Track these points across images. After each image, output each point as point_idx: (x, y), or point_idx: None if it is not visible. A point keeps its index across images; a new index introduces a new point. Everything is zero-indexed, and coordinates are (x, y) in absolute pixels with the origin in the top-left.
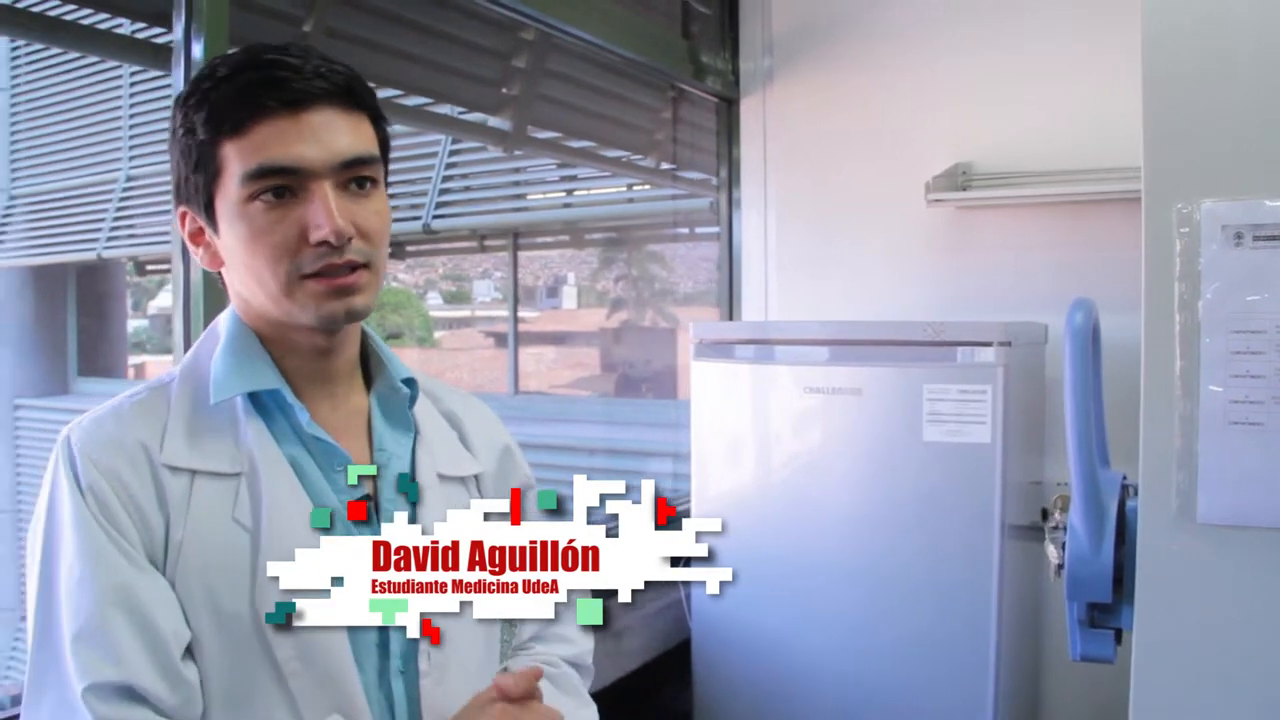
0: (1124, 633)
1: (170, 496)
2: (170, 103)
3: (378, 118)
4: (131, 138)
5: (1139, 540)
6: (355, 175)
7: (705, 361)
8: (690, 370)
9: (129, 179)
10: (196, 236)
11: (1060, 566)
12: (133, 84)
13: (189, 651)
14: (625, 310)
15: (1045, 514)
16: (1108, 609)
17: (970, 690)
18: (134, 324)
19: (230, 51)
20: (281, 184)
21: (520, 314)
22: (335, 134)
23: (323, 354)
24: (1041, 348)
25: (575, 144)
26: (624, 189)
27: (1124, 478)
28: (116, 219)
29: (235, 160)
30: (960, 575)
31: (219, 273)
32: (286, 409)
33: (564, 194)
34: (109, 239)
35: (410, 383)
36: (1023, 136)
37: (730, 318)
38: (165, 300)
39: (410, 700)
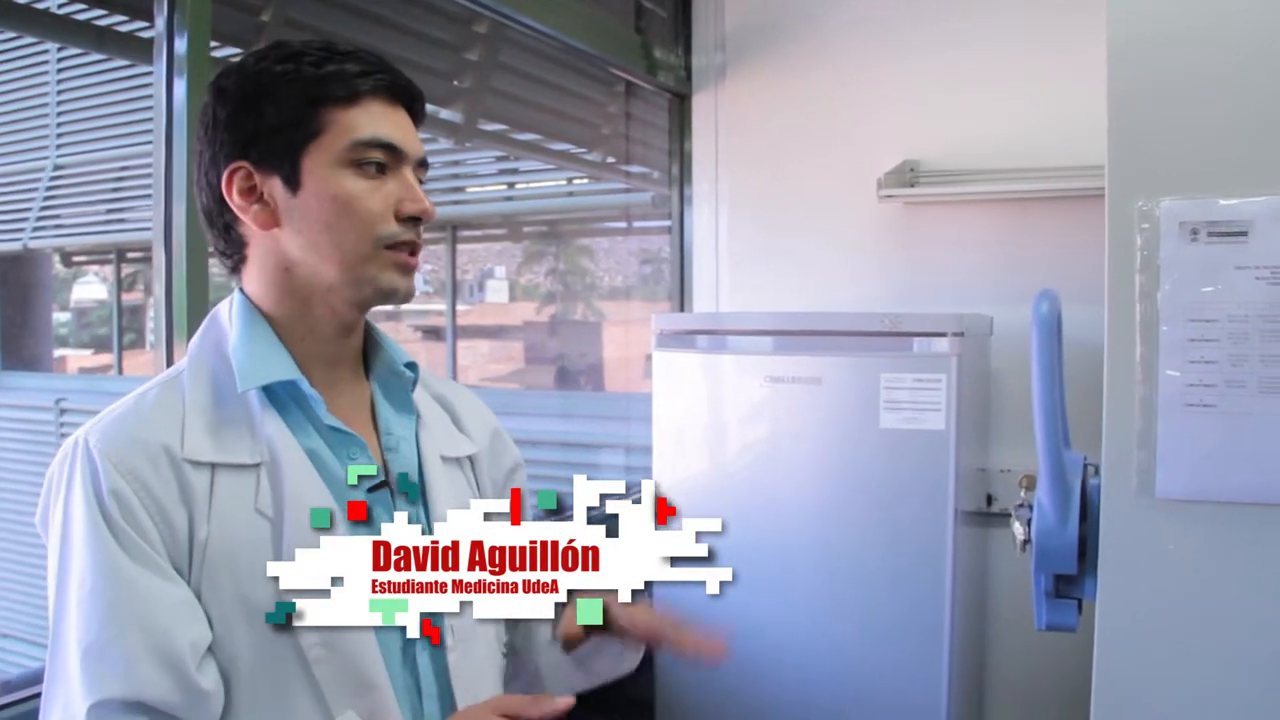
0: (1085, 602)
1: (193, 492)
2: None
3: None
4: (59, 125)
5: (1102, 515)
6: (420, 175)
7: (667, 352)
8: (653, 360)
9: (56, 167)
10: (247, 194)
11: (1026, 542)
12: (60, 69)
13: (211, 654)
14: (560, 304)
15: (990, 499)
16: (1071, 580)
17: (925, 668)
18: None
19: (303, 40)
20: (383, 159)
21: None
22: (412, 132)
23: (345, 333)
24: (987, 339)
25: (523, 137)
26: (564, 183)
27: (1085, 458)
28: (43, 209)
29: (345, 125)
30: (915, 558)
31: (243, 244)
32: (302, 400)
33: (505, 187)
34: (35, 229)
35: (412, 366)
36: (968, 135)
37: (682, 310)
38: (84, 292)
39: (437, 673)
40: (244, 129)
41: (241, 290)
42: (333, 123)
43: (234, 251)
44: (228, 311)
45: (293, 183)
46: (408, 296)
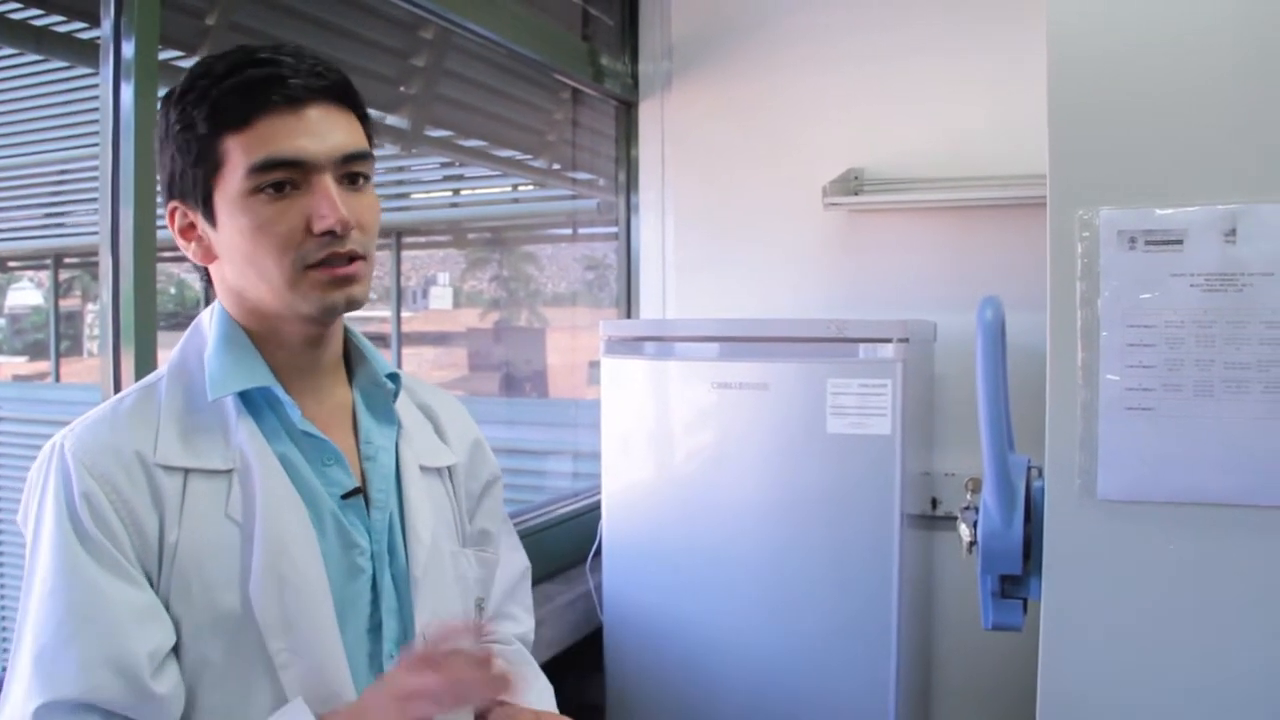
0: (1030, 602)
1: (165, 497)
2: (83, 96)
3: (365, 118)
4: None
5: (1046, 516)
6: (351, 170)
7: (615, 358)
8: (601, 367)
9: None
10: (187, 232)
11: (972, 544)
12: None
13: (173, 658)
14: (505, 310)
15: (935, 503)
16: (1017, 581)
17: (872, 669)
18: None
19: (220, 52)
20: (285, 177)
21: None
22: (333, 129)
23: (313, 346)
24: (931, 345)
25: (469, 144)
26: (509, 189)
27: (1029, 461)
28: None
29: (239, 153)
30: (863, 561)
31: (206, 269)
32: (277, 406)
33: (450, 193)
34: None
35: (394, 377)
36: (911, 144)
37: (629, 317)
38: (18, 298)
39: None
40: (167, 170)
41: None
42: (229, 152)
43: (203, 274)
44: (209, 319)
45: (211, 219)
46: (351, 306)
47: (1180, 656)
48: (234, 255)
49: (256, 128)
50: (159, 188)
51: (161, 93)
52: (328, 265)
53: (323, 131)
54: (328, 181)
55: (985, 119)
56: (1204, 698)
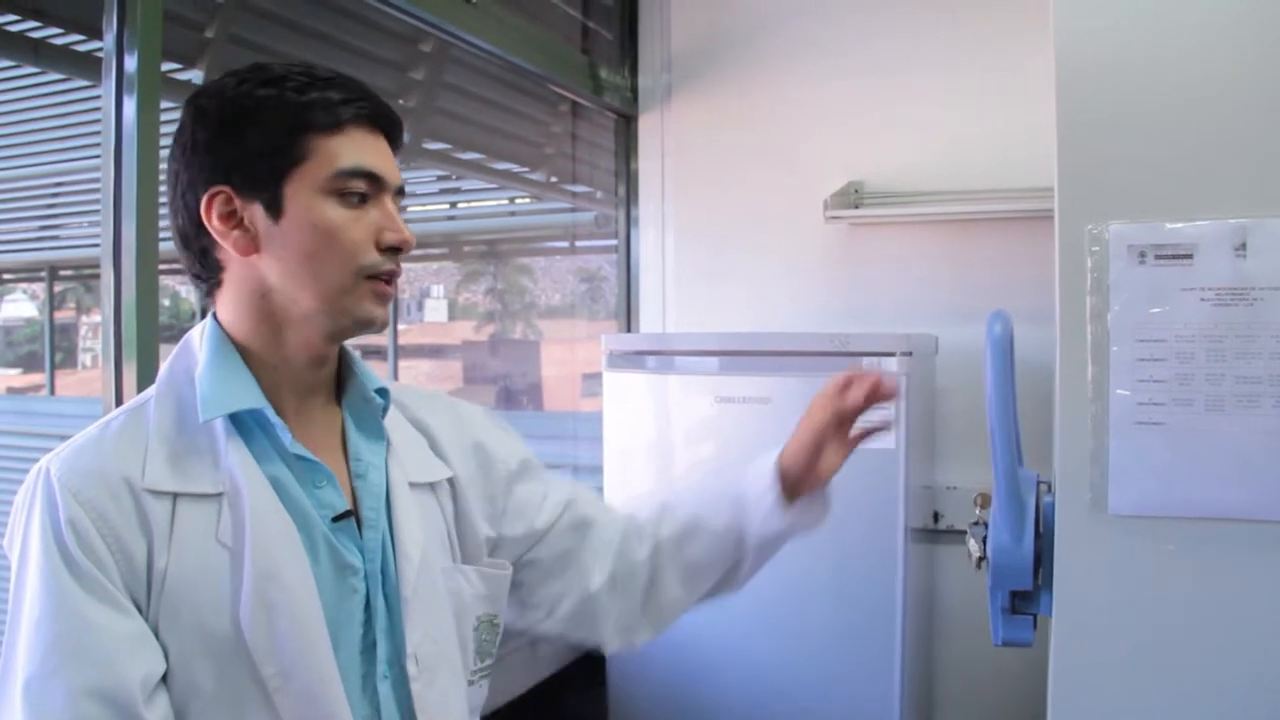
0: (1040, 617)
1: (153, 522)
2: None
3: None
4: None
5: (1056, 532)
6: (398, 203)
7: (616, 372)
8: (603, 381)
9: None
10: (228, 219)
11: (982, 559)
12: None
13: (164, 686)
14: (500, 322)
15: (937, 516)
16: (1027, 596)
17: (877, 683)
18: None
19: (282, 62)
20: (365, 188)
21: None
22: (392, 160)
23: (319, 363)
24: (933, 358)
25: (467, 156)
26: (506, 202)
27: (1038, 476)
28: None
29: (328, 153)
30: (867, 575)
31: (206, 284)
32: (267, 427)
33: (447, 206)
34: None
35: (383, 393)
36: (912, 157)
37: (629, 330)
38: (11, 310)
39: (399, 702)
40: (225, 153)
41: (214, 316)
42: (315, 150)
43: (210, 275)
44: (199, 337)
45: (274, 210)
46: (384, 325)
47: (1192, 672)
48: (289, 250)
49: (348, 135)
50: (191, 173)
51: (164, 104)
52: (383, 280)
53: (388, 158)
54: (392, 202)
55: (986, 132)
56: (1216, 714)
